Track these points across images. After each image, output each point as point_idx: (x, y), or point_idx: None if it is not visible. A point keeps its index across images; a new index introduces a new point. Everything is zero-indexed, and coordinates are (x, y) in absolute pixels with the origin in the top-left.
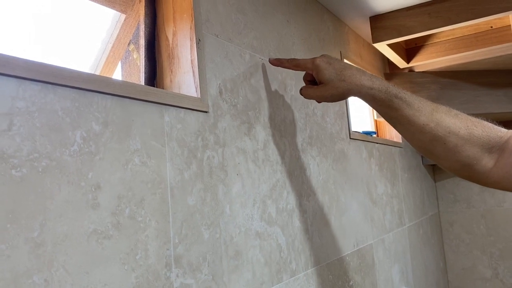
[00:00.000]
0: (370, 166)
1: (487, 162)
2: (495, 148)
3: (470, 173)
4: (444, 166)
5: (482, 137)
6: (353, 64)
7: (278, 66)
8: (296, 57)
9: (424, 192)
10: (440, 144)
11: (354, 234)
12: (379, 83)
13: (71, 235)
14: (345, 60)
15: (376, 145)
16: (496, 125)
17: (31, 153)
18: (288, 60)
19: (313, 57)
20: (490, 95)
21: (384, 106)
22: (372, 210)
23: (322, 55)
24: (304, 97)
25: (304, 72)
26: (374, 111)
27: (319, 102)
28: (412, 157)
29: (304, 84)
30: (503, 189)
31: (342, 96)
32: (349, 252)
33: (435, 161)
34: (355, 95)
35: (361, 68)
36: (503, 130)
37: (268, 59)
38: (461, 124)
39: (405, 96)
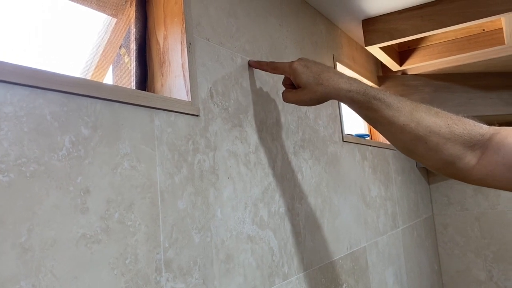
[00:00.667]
0: (363, 168)
1: (470, 159)
2: (478, 145)
3: (453, 171)
4: (427, 165)
5: (463, 135)
6: (331, 67)
7: (257, 68)
8: (288, 61)
9: (418, 195)
10: (422, 143)
11: (347, 237)
12: (357, 85)
13: (59, 240)
14: (338, 64)
15: (370, 147)
16: (477, 122)
17: (19, 157)
18: (267, 63)
19: (291, 60)
20: (483, 98)
21: (363, 108)
22: (366, 212)
23: (299, 58)
24: (284, 101)
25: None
26: None
27: (299, 105)
28: (406, 159)
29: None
30: (486, 186)
31: (320, 99)
32: (342, 255)
33: (418, 160)
34: (333, 98)
35: (339, 71)
36: (485, 127)
37: (248, 61)
38: (442, 123)
39: (383, 97)
